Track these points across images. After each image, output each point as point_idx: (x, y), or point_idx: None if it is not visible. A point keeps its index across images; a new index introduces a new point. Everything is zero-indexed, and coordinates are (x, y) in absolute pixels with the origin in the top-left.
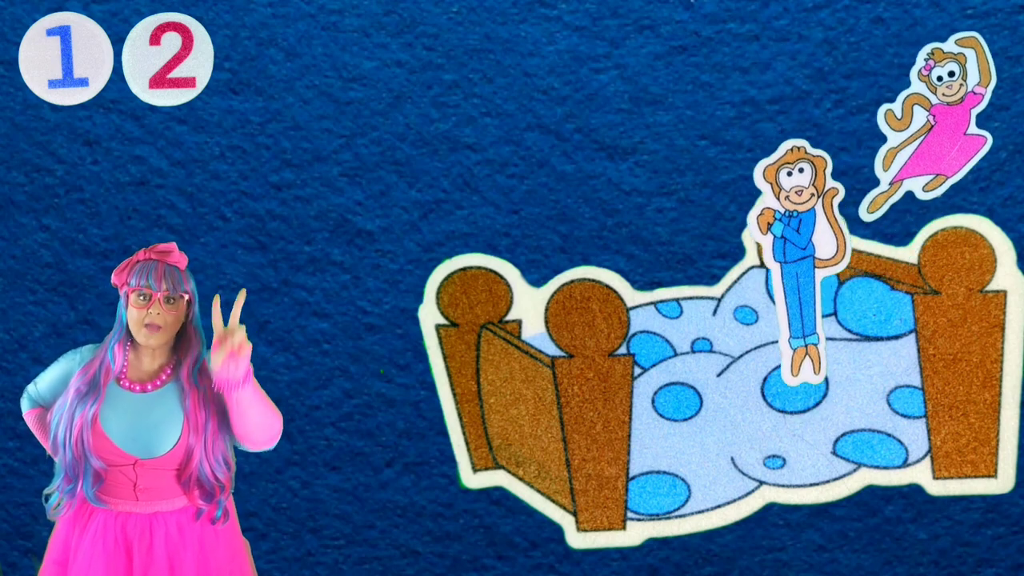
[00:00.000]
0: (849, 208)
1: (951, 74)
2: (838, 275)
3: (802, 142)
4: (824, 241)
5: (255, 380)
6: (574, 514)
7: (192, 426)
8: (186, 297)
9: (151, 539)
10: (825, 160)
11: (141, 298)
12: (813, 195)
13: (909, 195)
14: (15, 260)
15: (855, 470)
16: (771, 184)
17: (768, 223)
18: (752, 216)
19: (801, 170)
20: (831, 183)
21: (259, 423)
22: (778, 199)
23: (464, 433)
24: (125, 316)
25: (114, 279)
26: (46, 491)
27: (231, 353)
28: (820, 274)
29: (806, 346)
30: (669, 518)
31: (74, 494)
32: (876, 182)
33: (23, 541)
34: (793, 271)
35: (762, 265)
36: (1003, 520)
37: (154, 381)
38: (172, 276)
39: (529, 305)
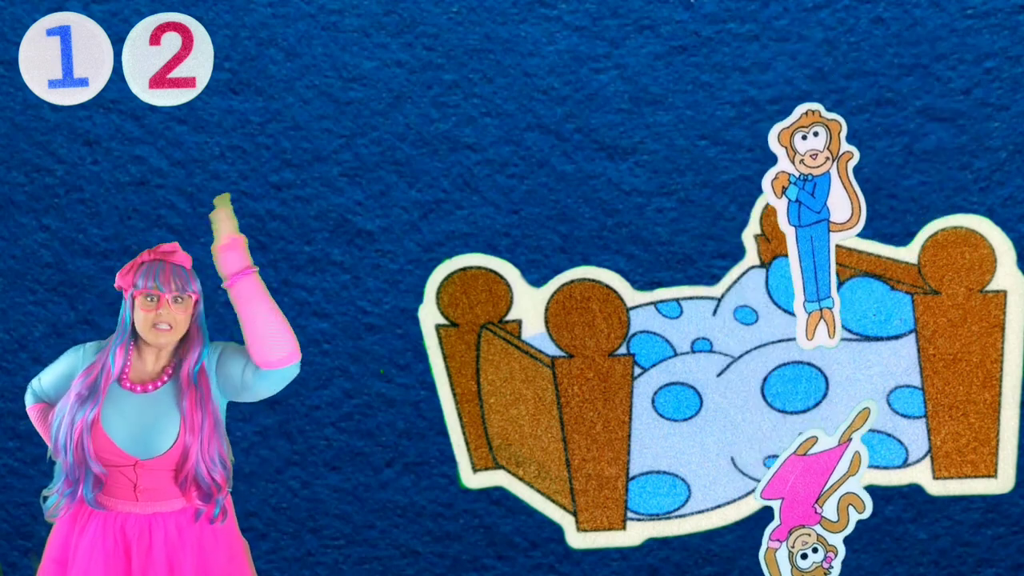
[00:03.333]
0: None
1: None
2: (838, 274)
3: (817, 105)
4: (839, 205)
5: (260, 282)
6: (574, 514)
7: (188, 426)
8: (194, 297)
9: (150, 540)
10: (840, 124)
11: (149, 300)
12: (828, 159)
13: (910, 195)
14: (15, 260)
15: None
16: (786, 148)
17: (783, 187)
18: (767, 180)
19: (816, 134)
20: (846, 147)
21: (265, 328)
22: (792, 163)
23: (464, 433)
24: (129, 318)
25: (119, 282)
26: (44, 492)
27: (220, 248)
28: (835, 238)
29: (820, 310)
30: (669, 518)
31: (74, 497)
32: (875, 185)
33: (23, 541)
34: (808, 235)
35: (762, 265)
36: (1003, 520)
37: (155, 382)
38: (179, 276)
39: (529, 305)
